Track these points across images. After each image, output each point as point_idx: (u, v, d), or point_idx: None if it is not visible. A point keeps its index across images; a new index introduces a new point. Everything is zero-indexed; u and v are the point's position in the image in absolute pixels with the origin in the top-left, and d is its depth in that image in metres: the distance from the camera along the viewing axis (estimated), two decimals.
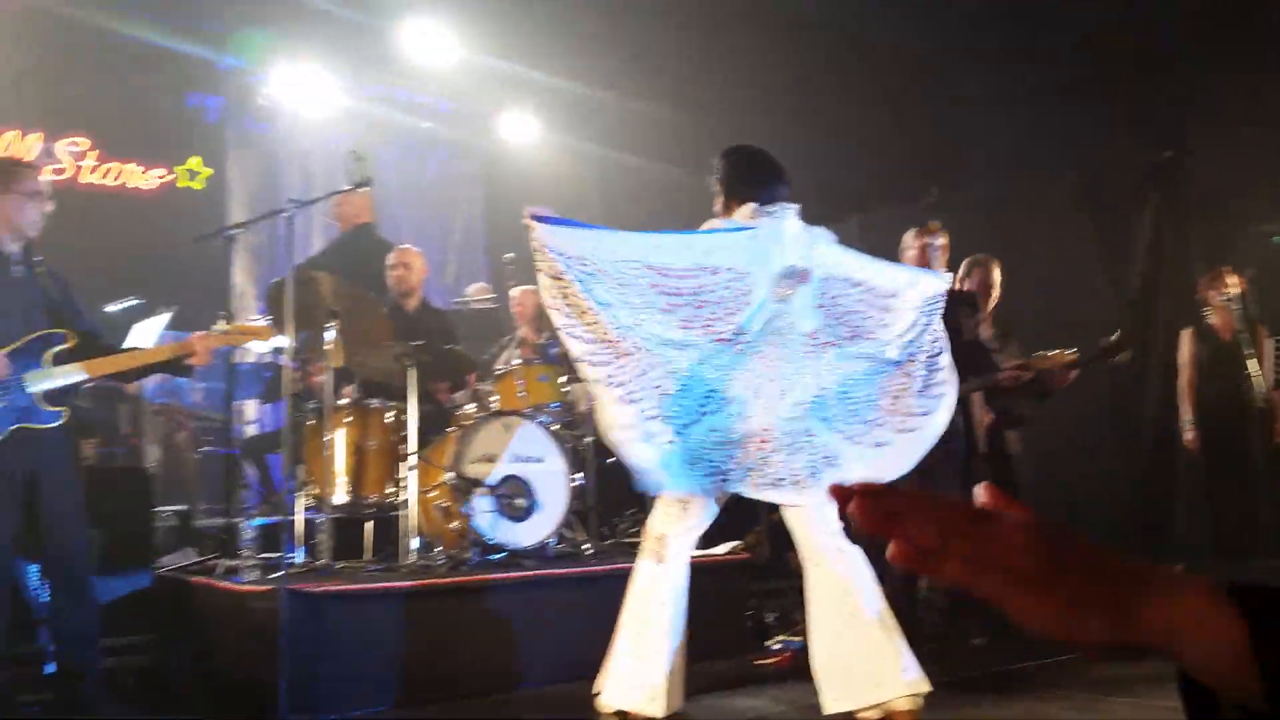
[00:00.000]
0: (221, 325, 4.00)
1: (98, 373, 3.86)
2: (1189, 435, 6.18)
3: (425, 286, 6.41)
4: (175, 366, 4.05)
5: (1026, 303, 6.70)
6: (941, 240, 5.12)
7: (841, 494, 0.77)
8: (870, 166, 8.32)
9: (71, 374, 3.77)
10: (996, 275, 5.39)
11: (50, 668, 3.86)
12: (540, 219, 3.53)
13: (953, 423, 4.91)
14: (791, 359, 3.72)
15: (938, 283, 4.23)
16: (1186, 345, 6.20)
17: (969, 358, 5.05)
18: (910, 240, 5.21)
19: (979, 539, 0.76)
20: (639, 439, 3.50)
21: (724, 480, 3.66)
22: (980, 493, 0.83)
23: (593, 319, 3.47)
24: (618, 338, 3.47)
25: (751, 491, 3.70)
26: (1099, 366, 5.33)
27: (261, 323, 4.11)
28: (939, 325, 4.12)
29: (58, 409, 3.74)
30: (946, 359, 4.09)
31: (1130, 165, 7.31)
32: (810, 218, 4.03)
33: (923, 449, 3.94)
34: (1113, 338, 5.31)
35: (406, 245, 6.50)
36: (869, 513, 0.76)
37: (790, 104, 8.34)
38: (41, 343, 3.76)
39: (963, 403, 5.04)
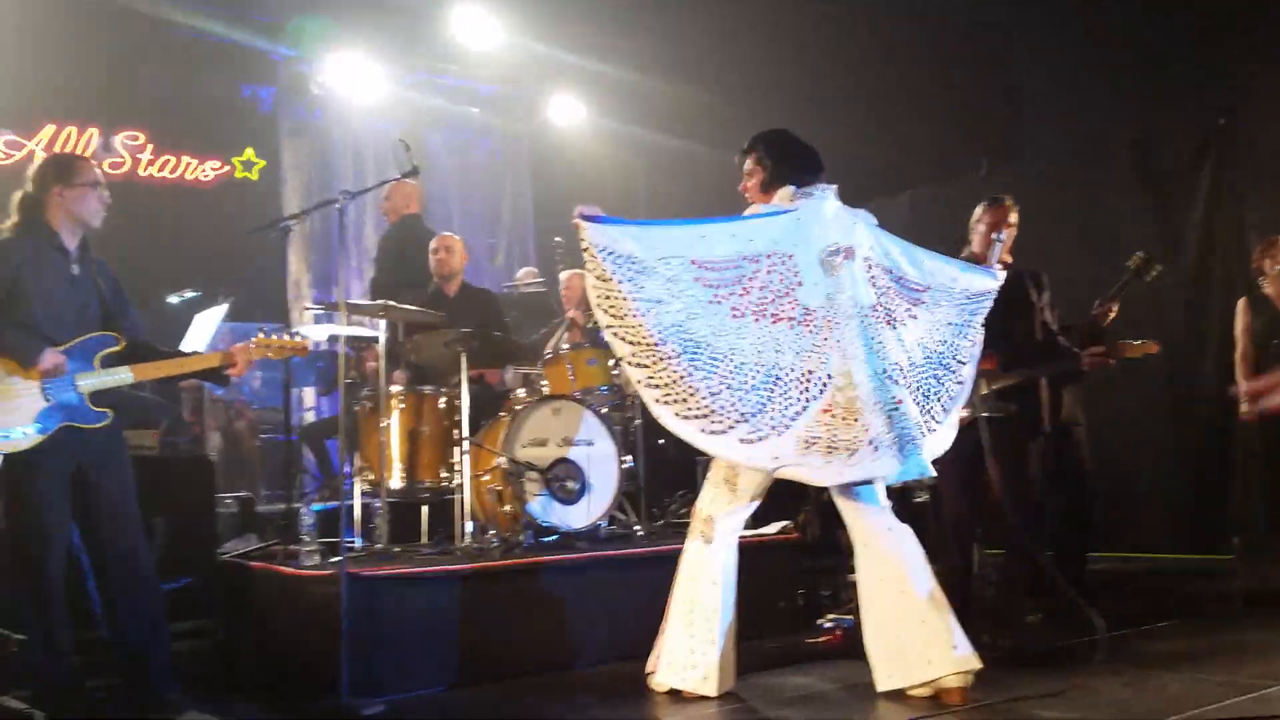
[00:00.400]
0: (261, 338, 4.08)
1: (143, 376, 3.95)
2: (1244, 408, 6.10)
3: (474, 271, 6.48)
4: (215, 375, 4.15)
5: (1080, 271, 6.63)
6: (1013, 219, 4.93)
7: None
8: (919, 142, 8.25)
9: (119, 376, 3.86)
10: (1014, 218, 5.18)
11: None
12: (589, 219, 3.58)
13: (1026, 405, 4.89)
14: (864, 331, 3.74)
15: (987, 280, 4.21)
16: (1241, 316, 6.10)
17: (1042, 340, 4.99)
18: (980, 214, 5.04)
19: None
20: (699, 436, 3.56)
21: (848, 459, 3.67)
22: None
23: (634, 322, 3.52)
24: (659, 340, 3.52)
25: (856, 470, 3.70)
26: (1134, 289, 5.28)
27: (301, 337, 4.18)
28: (979, 323, 4.12)
29: (104, 409, 3.83)
30: (974, 362, 4.10)
31: (1186, 132, 7.18)
32: (860, 196, 4.05)
33: (947, 442, 4.00)
34: (1139, 255, 5.26)
35: (447, 232, 6.65)
36: None
37: (837, 83, 8.29)
38: (94, 343, 3.85)
39: (1034, 387, 4.99)
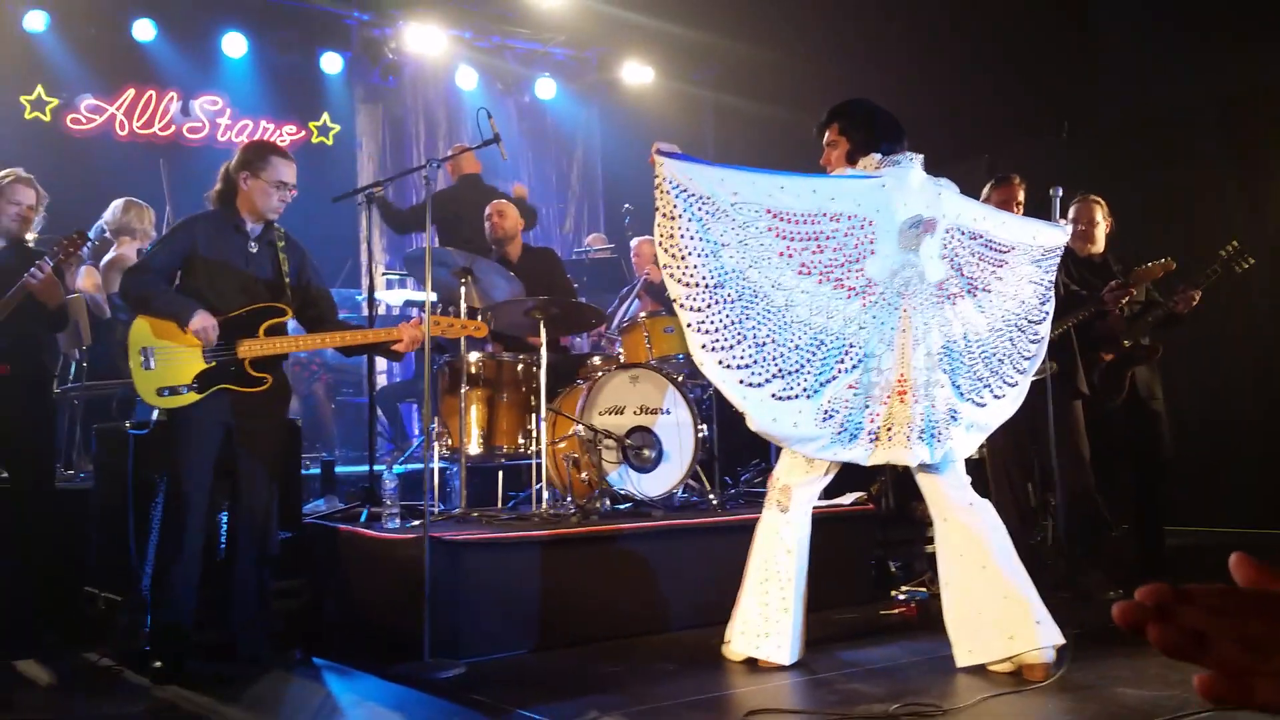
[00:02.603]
0: (434, 316, 4.24)
1: (305, 348, 4.21)
2: None
3: (544, 238, 6.45)
4: (382, 350, 4.39)
5: (1162, 236, 6.50)
6: (1020, 196, 5.17)
7: (1131, 614, 0.69)
8: (999, 104, 8.10)
9: (279, 346, 4.11)
10: (1021, 195, 5.24)
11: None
12: (667, 155, 3.56)
13: (1064, 364, 4.96)
14: (921, 310, 3.72)
15: (1059, 235, 4.19)
16: None
17: (1063, 296, 5.01)
18: (987, 192, 5.21)
19: None
20: (736, 388, 3.55)
21: (871, 440, 3.68)
22: (1239, 566, 0.75)
23: (694, 262, 3.50)
24: (719, 283, 3.50)
25: (893, 454, 3.72)
26: (1216, 279, 5.20)
27: (477, 320, 4.33)
28: (1051, 279, 4.10)
29: (262, 375, 4.06)
30: (1049, 318, 4.10)
31: (1274, 94, 6.97)
32: (938, 159, 4.01)
33: (1018, 402, 4.00)
34: (1232, 244, 5.19)
35: (499, 198, 6.69)
36: (1170, 639, 0.69)
37: (912, 44, 8.17)
38: (260, 313, 4.08)
39: (1064, 341, 5.02)
